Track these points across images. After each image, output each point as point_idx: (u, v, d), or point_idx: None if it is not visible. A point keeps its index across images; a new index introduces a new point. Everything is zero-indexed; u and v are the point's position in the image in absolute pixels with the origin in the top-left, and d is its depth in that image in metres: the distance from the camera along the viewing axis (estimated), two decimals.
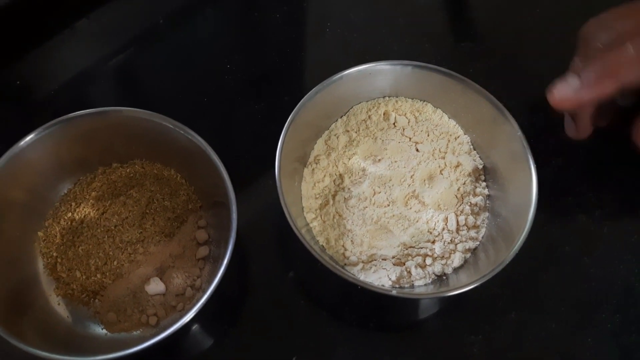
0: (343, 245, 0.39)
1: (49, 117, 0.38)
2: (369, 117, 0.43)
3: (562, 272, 0.41)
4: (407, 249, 0.38)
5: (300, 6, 0.51)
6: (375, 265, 0.38)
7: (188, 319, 0.33)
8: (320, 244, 0.39)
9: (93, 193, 0.40)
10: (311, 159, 0.41)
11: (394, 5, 0.51)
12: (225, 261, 0.34)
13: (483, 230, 0.39)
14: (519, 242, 0.35)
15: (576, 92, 0.37)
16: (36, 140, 0.37)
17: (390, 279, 0.37)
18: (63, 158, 0.39)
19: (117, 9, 0.50)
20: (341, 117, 0.43)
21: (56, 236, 0.39)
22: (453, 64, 0.41)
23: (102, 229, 0.39)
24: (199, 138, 0.37)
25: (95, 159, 0.41)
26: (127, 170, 0.41)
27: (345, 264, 0.38)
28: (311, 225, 0.39)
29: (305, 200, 0.40)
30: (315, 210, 0.40)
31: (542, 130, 0.44)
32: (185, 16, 0.50)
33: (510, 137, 0.39)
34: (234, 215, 0.35)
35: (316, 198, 0.40)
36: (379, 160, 0.41)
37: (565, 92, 0.37)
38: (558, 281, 0.40)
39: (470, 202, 0.40)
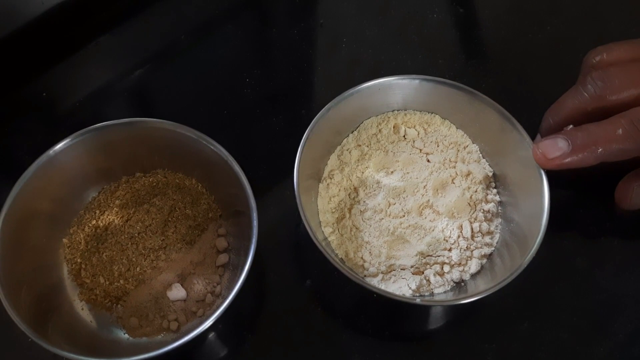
0: (362, 257, 0.39)
1: (73, 129, 0.39)
2: (380, 130, 0.43)
3: (574, 284, 0.41)
4: (424, 258, 0.39)
5: (317, 23, 0.53)
6: (395, 275, 0.38)
7: (208, 325, 0.34)
8: (340, 256, 0.39)
9: (117, 201, 0.40)
10: (325, 174, 0.42)
11: (407, 23, 0.52)
12: (246, 268, 0.35)
13: (497, 236, 0.40)
14: (535, 246, 0.36)
15: (562, 157, 0.37)
16: (64, 149, 0.38)
17: (410, 288, 0.37)
18: (88, 168, 0.40)
19: (140, 25, 0.51)
20: (352, 132, 0.43)
21: (80, 243, 0.39)
22: (465, 80, 0.42)
23: (126, 236, 0.39)
24: (222, 149, 0.38)
25: (119, 169, 0.42)
26: (150, 180, 0.42)
27: (365, 275, 0.39)
28: (329, 239, 0.40)
29: (322, 214, 0.41)
30: (333, 224, 0.40)
31: None
32: (205, 33, 0.51)
33: (519, 144, 0.40)
34: (255, 223, 0.36)
35: (332, 212, 0.41)
36: (392, 172, 0.42)
37: (551, 154, 0.37)
38: (570, 292, 0.41)
39: (483, 209, 0.40)
